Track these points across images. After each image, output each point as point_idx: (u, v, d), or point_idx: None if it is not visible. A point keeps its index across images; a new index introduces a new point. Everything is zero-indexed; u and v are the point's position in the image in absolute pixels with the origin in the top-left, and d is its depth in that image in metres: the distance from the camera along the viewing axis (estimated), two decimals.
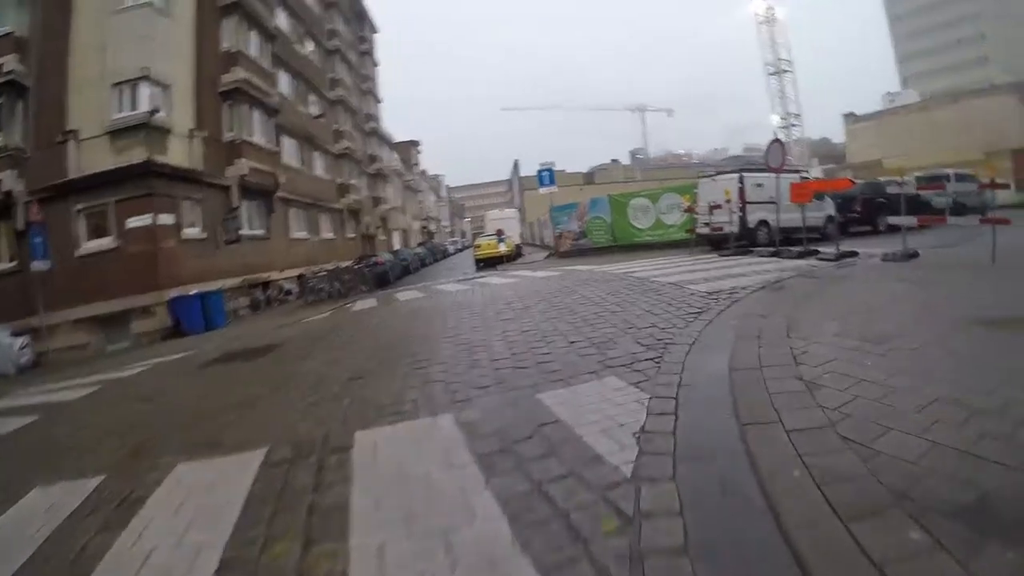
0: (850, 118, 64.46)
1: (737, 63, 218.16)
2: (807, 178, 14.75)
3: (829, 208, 15.02)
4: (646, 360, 4.14)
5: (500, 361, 4.77)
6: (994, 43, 74.18)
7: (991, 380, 2.84)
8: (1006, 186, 12.30)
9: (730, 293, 6.71)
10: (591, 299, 7.46)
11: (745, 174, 14.76)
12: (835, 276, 7.50)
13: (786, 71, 53.54)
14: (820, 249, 10.72)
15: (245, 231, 19.43)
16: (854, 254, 9.82)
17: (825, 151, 72.57)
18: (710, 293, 6.89)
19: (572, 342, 5.04)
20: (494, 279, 13.80)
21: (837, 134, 72.30)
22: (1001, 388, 2.72)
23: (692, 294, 6.98)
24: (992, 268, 6.78)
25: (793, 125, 53.09)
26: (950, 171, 21.39)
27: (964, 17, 76.19)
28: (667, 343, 4.55)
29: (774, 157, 12.27)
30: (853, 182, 15.91)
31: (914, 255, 8.56)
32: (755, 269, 9.12)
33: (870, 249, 10.74)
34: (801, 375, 3.28)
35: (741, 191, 14.24)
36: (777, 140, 12.91)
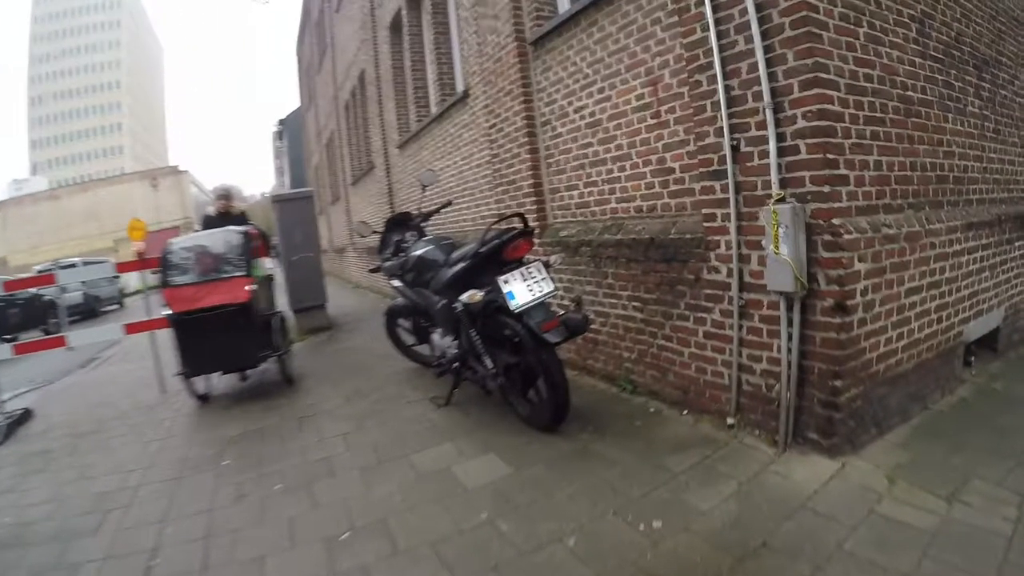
0: None
1: None
2: None
3: None
4: None
5: None
6: (130, 133, 75.36)
7: None
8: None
9: None
10: None
11: None
12: None
13: None
14: None
15: None
16: None
17: None
18: None
19: None
20: None
21: None
22: None
23: None
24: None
25: None
26: (78, 259, 17.28)
27: (105, 106, 73.57)
28: None
29: None
30: None
31: (23, 418, 4.69)
32: None
33: None
34: None
35: None
36: None
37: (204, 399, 4.38)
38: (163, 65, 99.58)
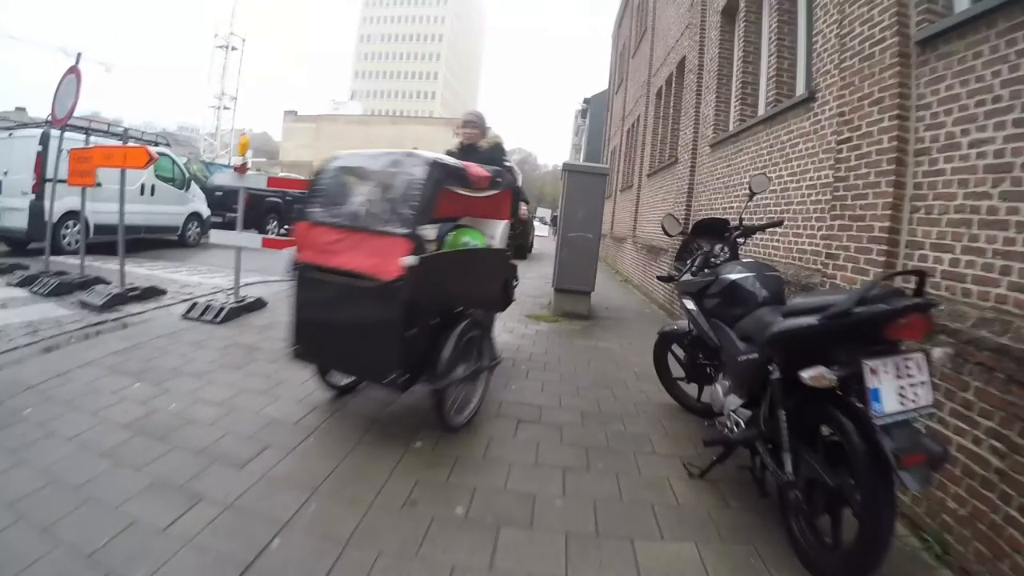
0: (291, 115, 65.59)
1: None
2: (132, 144, 6.59)
3: (197, 203, 11.61)
4: None
5: None
6: (443, 83, 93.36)
7: None
8: None
9: None
10: None
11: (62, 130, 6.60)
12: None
13: (235, 48, 48.62)
14: (103, 282, 5.75)
15: None
16: (154, 294, 5.67)
17: (263, 146, 71.09)
18: None
19: None
20: None
21: (279, 133, 72.71)
22: None
23: None
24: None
25: (226, 108, 48.43)
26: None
27: (425, 55, 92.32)
28: None
29: (63, 98, 6.31)
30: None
31: (253, 307, 5.30)
32: None
33: (201, 277, 7.13)
34: None
35: (40, 159, 8.13)
36: (73, 68, 6.34)
37: (341, 391, 3.39)
38: (484, 30, 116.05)
